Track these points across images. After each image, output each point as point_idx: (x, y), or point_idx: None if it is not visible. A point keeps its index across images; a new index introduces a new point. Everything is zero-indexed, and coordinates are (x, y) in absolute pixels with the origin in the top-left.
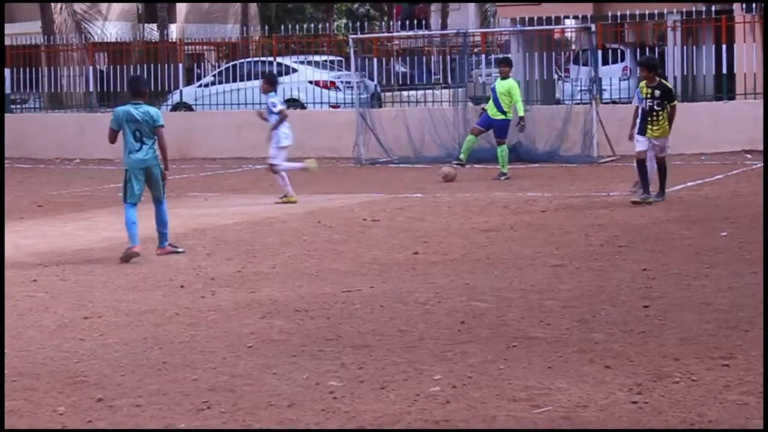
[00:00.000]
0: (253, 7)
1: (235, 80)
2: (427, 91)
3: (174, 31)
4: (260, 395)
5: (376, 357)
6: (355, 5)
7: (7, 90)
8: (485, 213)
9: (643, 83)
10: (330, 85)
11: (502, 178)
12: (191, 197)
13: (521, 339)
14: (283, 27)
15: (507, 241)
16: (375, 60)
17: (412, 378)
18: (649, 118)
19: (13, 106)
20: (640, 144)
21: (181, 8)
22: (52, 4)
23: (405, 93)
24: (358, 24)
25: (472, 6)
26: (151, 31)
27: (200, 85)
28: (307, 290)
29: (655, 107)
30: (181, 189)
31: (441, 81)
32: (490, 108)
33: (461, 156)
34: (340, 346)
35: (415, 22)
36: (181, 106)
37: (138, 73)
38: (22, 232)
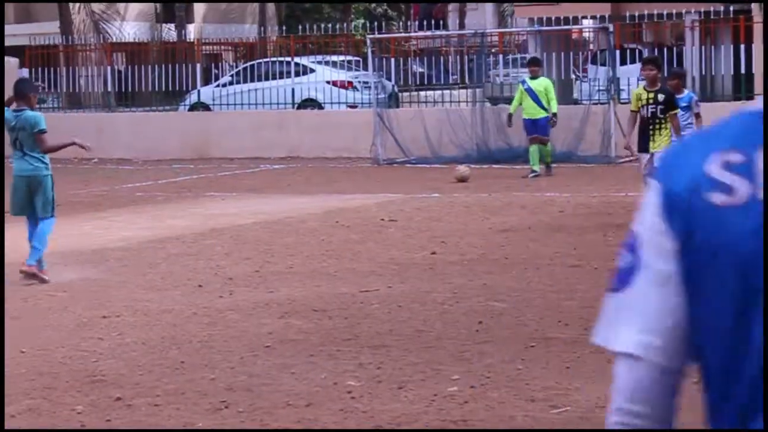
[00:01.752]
0: (271, 7)
1: (252, 80)
2: (445, 92)
3: (192, 31)
4: (278, 395)
5: (394, 357)
6: (373, 5)
7: None
8: (503, 213)
9: (640, 89)
10: (347, 85)
11: (532, 175)
12: (209, 197)
13: (539, 339)
14: (300, 27)
15: (525, 242)
16: (392, 60)
17: (429, 378)
18: (651, 128)
19: None
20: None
21: (199, 8)
22: (71, 4)
23: (422, 93)
24: (376, 24)
25: (489, 6)
26: (169, 31)
27: (218, 85)
28: (325, 290)
29: (658, 114)
30: (198, 189)
31: (458, 81)
32: (531, 108)
33: (534, 168)
34: (357, 346)
35: (433, 22)
36: (199, 106)
37: (156, 73)
38: None
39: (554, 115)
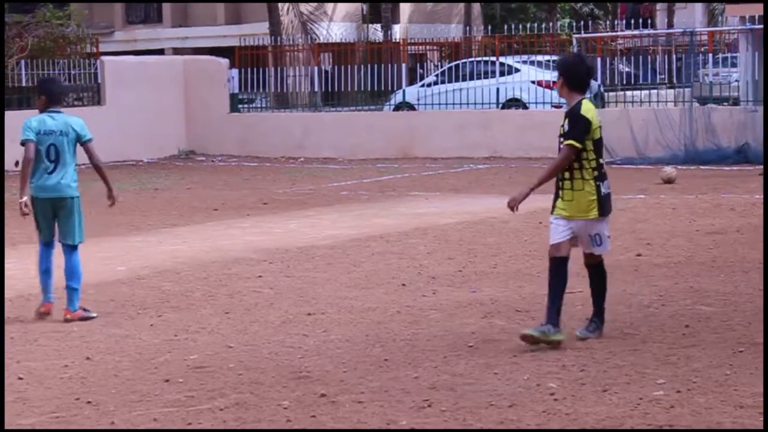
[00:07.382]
0: (476, 7)
1: (457, 80)
2: (652, 91)
3: (397, 31)
4: (481, 395)
5: (598, 359)
6: (579, 4)
7: (236, 90)
8: (711, 215)
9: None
10: (552, 85)
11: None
12: (413, 196)
13: (748, 344)
14: (505, 27)
15: (733, 244)
16: (599, 59)
17: (634, 381)
18: (559, 176)
19: (240, 106)
20: (555, 230)
21: (405, 9)
22: (280, 6)
23: (629, 93)
24: (582, 23)
25: (699, 4)
26: (375, 32)
27: (422, 85)
28: (528, 291)
29: None
30: (402, 188)
31: (666, 81)
32: None
33: None
34: (561, 348)
35: (640, 20)
36: (404, 106)
37: (362, 73)
38: (248, 229)
39: None
